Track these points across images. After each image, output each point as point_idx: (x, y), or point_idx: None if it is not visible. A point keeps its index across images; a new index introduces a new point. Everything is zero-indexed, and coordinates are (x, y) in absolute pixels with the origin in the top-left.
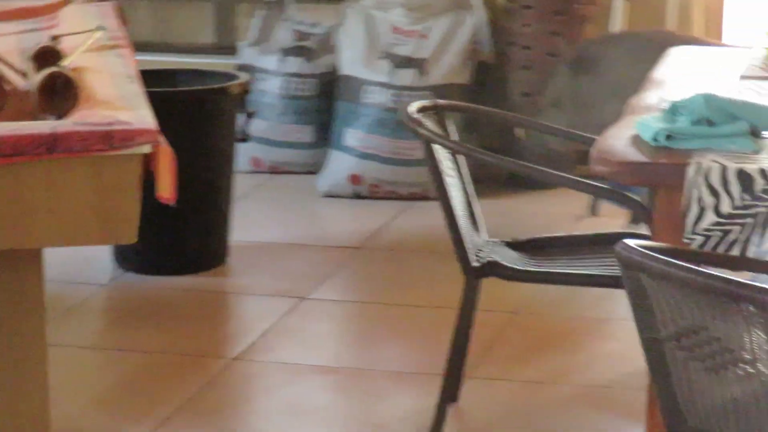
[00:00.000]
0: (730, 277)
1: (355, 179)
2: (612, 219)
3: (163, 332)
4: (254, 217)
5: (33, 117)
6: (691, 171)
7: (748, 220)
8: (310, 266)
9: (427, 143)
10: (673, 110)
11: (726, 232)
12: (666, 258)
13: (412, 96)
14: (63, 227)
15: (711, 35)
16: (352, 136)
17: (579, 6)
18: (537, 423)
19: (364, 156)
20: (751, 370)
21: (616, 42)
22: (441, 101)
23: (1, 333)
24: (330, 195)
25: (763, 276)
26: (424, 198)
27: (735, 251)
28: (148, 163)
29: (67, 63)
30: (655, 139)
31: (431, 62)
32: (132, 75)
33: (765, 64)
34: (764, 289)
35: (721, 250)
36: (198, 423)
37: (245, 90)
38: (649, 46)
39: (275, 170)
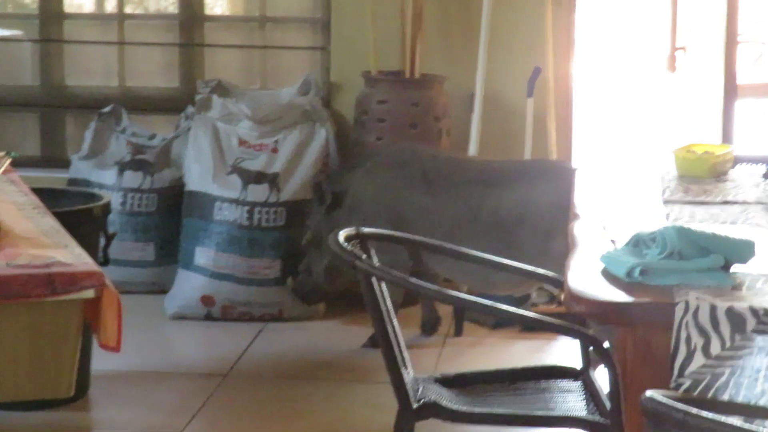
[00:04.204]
0: None
1: (206, 300)
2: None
3: None
4: None
5: None
6: (679, 310)
7: (739, 362)
8: (179, 397)
9: (367, 277)
10: (637, 242)
11: (716, 375)
12: (711, 415)
13: (267, 213)
14: None
15: (561, 154)
16: (203, 255)
17: (434, 119)
18: None
19: (217, 276)
20: None
21: (364, 173)
22: (365, 230)
23: None
24: (180, 317)
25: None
26: (277, 319)
27: (725, 396)
28: (88, 308)
29: None
30: (628, 275)
31: (284, 177)
32: (39, 205)
33: (680, 185)
34: None
35: (709, 395)
36: None
37: (107, 211)
38: (397, 169)
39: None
